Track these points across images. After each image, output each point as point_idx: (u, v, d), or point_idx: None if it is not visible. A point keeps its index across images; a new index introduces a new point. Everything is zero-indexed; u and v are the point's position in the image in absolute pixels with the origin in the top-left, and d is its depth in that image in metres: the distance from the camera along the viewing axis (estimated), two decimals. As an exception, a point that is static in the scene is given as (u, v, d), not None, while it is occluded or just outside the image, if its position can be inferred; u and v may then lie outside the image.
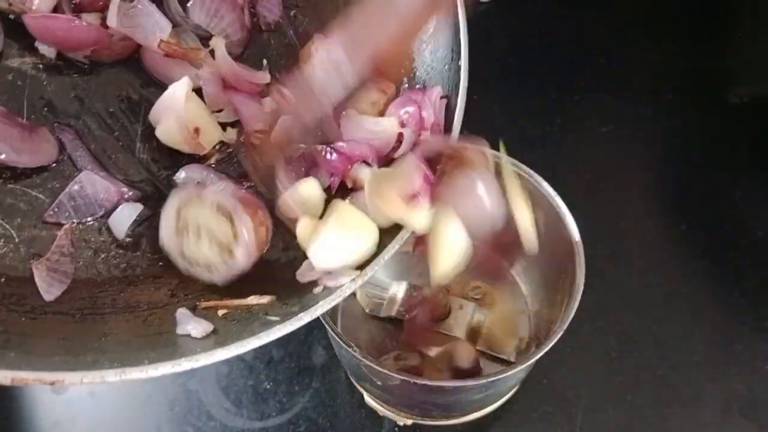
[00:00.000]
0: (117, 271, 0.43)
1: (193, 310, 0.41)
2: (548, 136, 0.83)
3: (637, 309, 0.69)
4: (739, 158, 0.81)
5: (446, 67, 0.48)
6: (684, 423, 0.63)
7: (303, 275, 0.42)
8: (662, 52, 0.91)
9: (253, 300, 0.41)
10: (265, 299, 0.41)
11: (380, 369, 0.50)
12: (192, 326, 0.39)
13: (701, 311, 0.69)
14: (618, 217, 0.76)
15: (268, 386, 0.66)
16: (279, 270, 0.44)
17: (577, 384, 0.65)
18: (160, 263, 0.44)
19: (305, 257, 0.42)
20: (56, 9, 0.43)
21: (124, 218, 0.44)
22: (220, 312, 0.41)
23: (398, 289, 0.65)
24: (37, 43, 0.43)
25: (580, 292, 0.52)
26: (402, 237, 0.42)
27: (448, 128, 0.46)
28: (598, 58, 0.90)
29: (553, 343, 0.50)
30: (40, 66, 0.43)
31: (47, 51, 0.44)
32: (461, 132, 0.46)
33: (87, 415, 0.65)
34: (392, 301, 0.64)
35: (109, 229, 0.44)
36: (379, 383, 0.54)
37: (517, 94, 0.88)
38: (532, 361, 0.50)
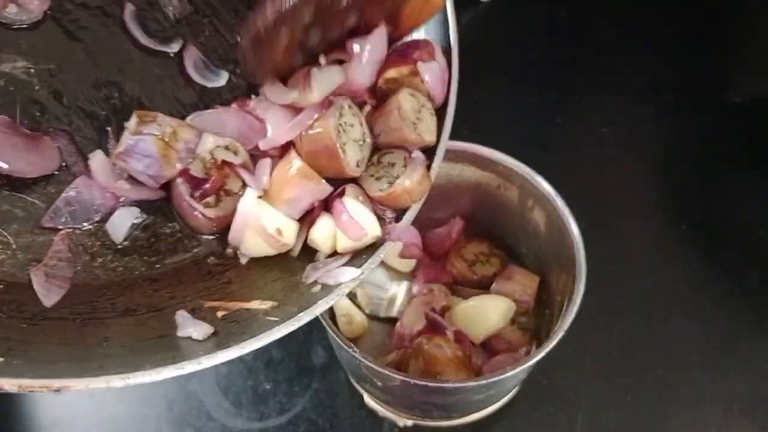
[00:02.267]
0: (115, 274, 0.43)
1: (192, 312, 0.41)
2: (548, 136, 0.83)
3: (637, 309, 0.69)
4: (739, 158, 0.81)
5: None
6: (684, 423, 0.63)
7: (308, 276, 0.43)
8: (662, 52, 0.91)
9: (255, 305, 0.41)
10: (267, 304, 0.41)
11: (380, 369, 0.50)
12: (193, 329, 0.39)
13: (701, 311, 0.69)
14: (618, 217, 0.76)
15: (268, 387, 0.66)
16: (278, 274, 0.44)
17: (577, 384, 0.65)
18: (157, 266, 0.44)
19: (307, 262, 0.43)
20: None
21: (121, 223, 0.43)
22: (220, 314, 0.41)
23: (398, 289, 0.65)
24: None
25: (581, 292, 0.52)
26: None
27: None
28: (598, 58, 0.90)
29: (553, 344, 0.50)
30: (32, 70, 0.43)
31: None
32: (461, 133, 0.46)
33: (87, 415, 0.65)
34: (392, 301, 0.64)
35: (106, 233, 0.43)
36: (379, 384, 0.54)
37: (517, 94, 0.88)
38: (533, 361, 0.50)
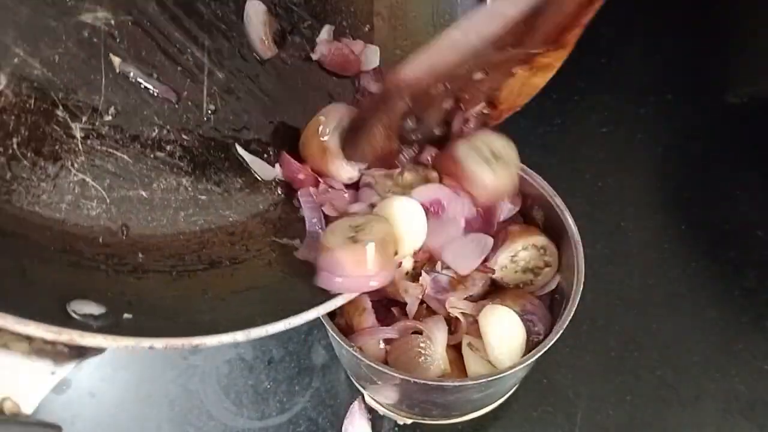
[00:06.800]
0: (196, 227, 0.46)
1: (269, 265, 0.44)
2: (548, 136, 0.83)
3: (637, 309, 0.69)
4: (739, 158, 0.81)
5: None
6: (684, 423, 0.63)
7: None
8: (662, 52, 0.91)
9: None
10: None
11: (380, 368, 0.50)
12: None
13: (701, 311, 0.69)
14: (618, 217, 0.76)
15: (268, 386, 0.66)
16: None
17: (577, 384, 0.65)
18: (230, 219, 0.47)
19: None
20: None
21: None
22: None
23: None
24: None
25: (579, 292, 0.52)
26: None
27: None
28: (598, 58, 0.90)
29: (552, 342, 0.50)
30: (112, 22, 0.44)
31: None
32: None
33: (87, 415, 0.65)
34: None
35: (186, 188, 0.46)
36: (379, 383, 0.54)
37: (517, 94, 0.88)
38: (532, 360, 0.50)
